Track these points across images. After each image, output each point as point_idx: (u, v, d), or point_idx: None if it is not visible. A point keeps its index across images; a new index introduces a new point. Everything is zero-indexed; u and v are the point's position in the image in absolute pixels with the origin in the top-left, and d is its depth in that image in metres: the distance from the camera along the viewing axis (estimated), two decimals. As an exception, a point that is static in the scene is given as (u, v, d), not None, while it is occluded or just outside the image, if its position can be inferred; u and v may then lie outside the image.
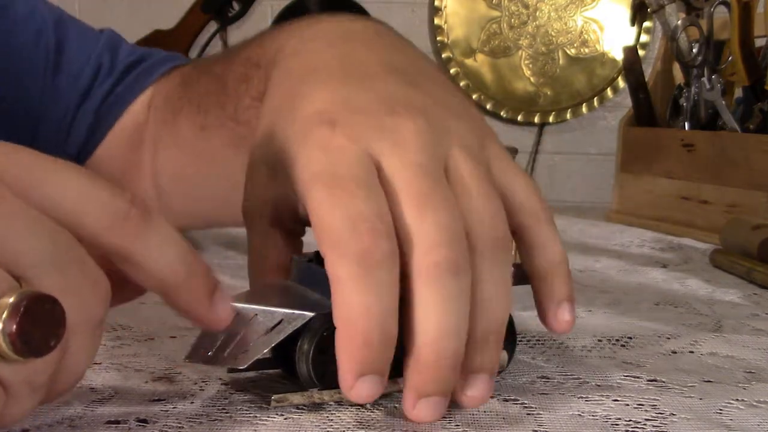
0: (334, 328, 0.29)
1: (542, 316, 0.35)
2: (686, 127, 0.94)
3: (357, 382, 0.28)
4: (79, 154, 0.60)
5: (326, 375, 0.31)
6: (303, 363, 0.31)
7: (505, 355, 0.34)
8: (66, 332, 0.24)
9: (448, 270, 0.29)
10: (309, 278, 0.33)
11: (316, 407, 0.32)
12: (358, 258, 0.28)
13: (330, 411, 0.32)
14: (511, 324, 0.35)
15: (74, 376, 0.27)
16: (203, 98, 0.54)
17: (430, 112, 0.33)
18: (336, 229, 0.29)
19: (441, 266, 0.29)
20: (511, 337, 0.35)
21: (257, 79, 0.47)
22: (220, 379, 0.35)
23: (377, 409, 0.32)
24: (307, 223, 0.35)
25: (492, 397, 0.34)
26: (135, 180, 0.59)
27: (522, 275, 0.34)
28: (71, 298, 0.24)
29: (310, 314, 0.30)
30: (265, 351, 0.30)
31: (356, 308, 0.28)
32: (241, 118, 0.49)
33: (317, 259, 0.33)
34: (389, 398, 0.33)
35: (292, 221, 0.37)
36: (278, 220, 0.37)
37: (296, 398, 0.31)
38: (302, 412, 0.31)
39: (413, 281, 0.29)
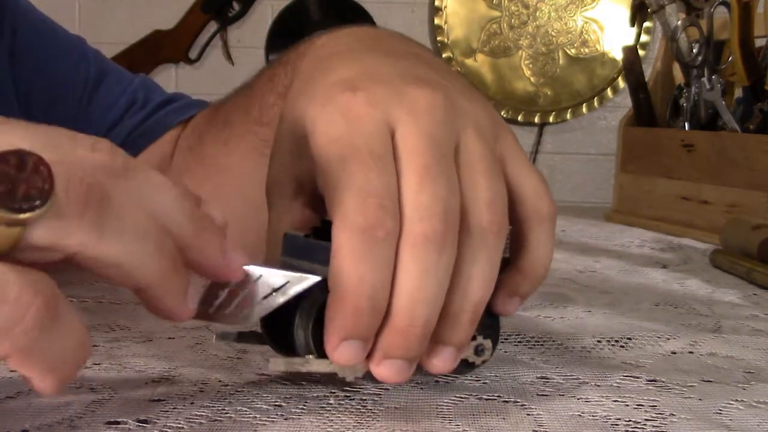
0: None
1: (494, 298, 0.34)
2: (686, 127, 0.94)
3: (340, 344, 0.30)
4: None
5: (323, 344, 0.31)
6: (301, 330, 0.32)
7: (489, 343, 0.35)
8: None
9: (434, 243, 0.30)
10: (303, 251, 0.33)
11: (317, 406, 0.32)
12: (361, 232, 0.29)
13: (330, 411, 0.32)
14: (494, 317, 0.35)
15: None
16: (230, 113, 0.55)
17: (449, 91, 0.34)
18: (345, 200, 0.30)
19: (428, 238, 0.30)
20: (493, 327, 0.35)
21: (284, 74, 0.47)
22: (220, 380, 0.35)
23: (377, 408, 0.32)
24: None
25: (492, 398, 0.34)
26: None
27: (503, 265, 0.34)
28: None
29: (316, 278, 0.30)
30: (269, 311, 0.30)
31: (351, 277, 0.29)
32: (264, 119, 0.50)
33: (315, 233, 0.33)
34: (389, 398, 0.33)
35: (313, 195, 0.36)
36: (300, 195, 0.36)
37: (293, 364, 0.31)
38: (302, 413, 0.31)
39: (400, 247, 0.30)
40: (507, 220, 0.32)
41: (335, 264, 0.29)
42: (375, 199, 0.29)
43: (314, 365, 0.31)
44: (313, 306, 0.31)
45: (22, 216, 0.23)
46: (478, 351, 0.35)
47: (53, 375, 0.25)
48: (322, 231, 0.33)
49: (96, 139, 0.26)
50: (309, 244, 0.33)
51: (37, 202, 0.23)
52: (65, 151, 0.25)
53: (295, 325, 0.32)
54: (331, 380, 0.34)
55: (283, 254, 0.34)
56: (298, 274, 0.30)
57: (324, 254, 0.30)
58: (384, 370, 0.31)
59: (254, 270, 0.30)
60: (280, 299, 0.30)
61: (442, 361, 0.32)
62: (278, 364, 0.31)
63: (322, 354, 0.31)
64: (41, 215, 0.23)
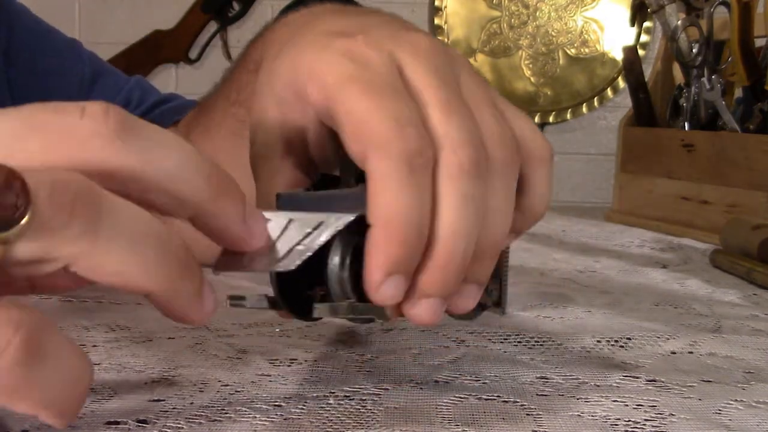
0: (364, 236, 0.29)
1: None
2: (686, 127, 0.94)
3: (386, 280, 0.28)
4: None
5: (360, 286, 0.30)
6: (339, 272, 0.30)
7: (495, 283, 0.35)
8: None
9: (470, 173, 0.29)
10: (307, 206, 0.31)
11: (317, 406, 0.32)
12: (405, 159, 0.28)
13: (330, 411, 0.32)
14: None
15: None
16: (212, 101, 0.55)
17: (438, 41, 0.34)
18: (382, 129, 0.29)
19: (464, 167, 0.29)
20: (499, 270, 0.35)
21: (254, 50, 0.47)
22: (220, 380, 0.35)
23: (377, 408, 0.32)
24: (319, 161, 0.35)
25: (492, 398, 0.34)
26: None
27: None
28: None
29: (353, 215, 0.29)
30: (311, 252, 0.29)
31: (399, 207, 0.28)
32: (240, 98, 0.49)
33: (315, 187, 0.32)
34: (389, 398, 0.33)
35: (304, 157, 0.35)
36: (289, 155, 0.35)
37: (337, 310, 0.31)
38: (302, 413, 0.31)
39: (437, 178, 0.29)
40: (518, 155, 0.32)
41: (378, 194, 0.28)
42: (412, 127, 0.29)
43: (358, 309, 0.30)
44: (347, 248, 0.30)
45: (1, 236, 0.21)
46: (488, 291, 0.34)
47: (50, 411, 0.23)
48: (321, 186, 0.32)
49: (86, 103, 0.24)
50: (314, 196, 0.32)
51: (15, 220, 0.21)
52: (51, 131, 0.24)
53: (328, 270, 0.30)
54: (368, 321, 0.33)
55: None
56: (330, 213, 0.29)
57: (338, 203, 0.29)
58: (421, 310, 0.30)
59: (280, 216, 0.29)
60: (321, 239, 0.29)
61: (467, 300, 0.32)
62: (323, 311, 0.31)
63: (359, 295, 0.30)
64: (21, 232, 0.22)
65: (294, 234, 0.29)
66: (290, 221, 0.29)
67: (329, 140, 0.34)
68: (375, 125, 0.29)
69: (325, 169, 0.35)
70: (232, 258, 0.29)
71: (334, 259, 0.30)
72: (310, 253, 0.28)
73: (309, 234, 0.29)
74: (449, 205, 0.29)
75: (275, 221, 0.29)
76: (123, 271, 0.24)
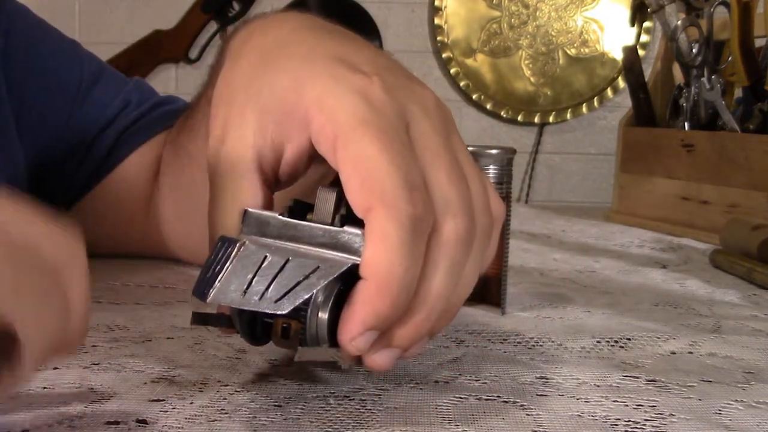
0: (348, 284, 0.29)
1: None
2: (686, 127, 0.94)
3: (362, 334, 0.29)
4: (95, 174, 0.62)
5: (335, 331, 0.30)
6: (318, 315, 0.30)
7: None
8: None
9: (463, 241, 0.30)
10: (280, 231, 0.31)
11: (316, 406, 0.32)
12: (411, 222, 0.29)
13: (330, 411, 0.32)
14: None
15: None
16: (197, 100, 0.55)
17: (439, 100, 0.34)
18: (393, 189, 0.29)
19: (459, 236, 0.30)
20: None
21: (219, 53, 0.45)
22: (219, 381, 0.35)
23: (377, 409, 0.32)
24: (285, 180, 0.34)
25: (492, 398, 0.34)
26: (151, 206, 0.61)
27: None
28: None
29: (351, 262, 0.29)
30: (306, 297, 0.29)
31: (397, 268, 0.28)
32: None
33: (291, 214, 0.31)
34: (389, 398, 0.33)
35: (272, 174, 0.34)
36: (259, 172, 0.34)
37: (318, 354, 0.31)
38: (302, 413, 0.31)
39: (431, 243, 0.30)
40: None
41: (378, 252, 0.29)
42: (420, 192, 0.29)
43: (322, 353, 0.31)
44: (332, 291, 0.30)
45: None
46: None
47: None
48: (296, 212, 0.32)
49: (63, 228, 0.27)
50: (286, 224, 0.31)
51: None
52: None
53: (309, 312, 0.30)
54: (325, 366, 0.34)
55: (245, 233, 0.32)
56: (327, 257, 0.29)
57: (310, 238, 0.30)
58: (383, 359, 0.31)
59: (280, 253, 0.29)
60: (319, 284, 0.29)
61: (418, 348, 0.33)
62: (283, 344, 0.31)
63: (332, 341, 0.30)
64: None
65: (291, 275, 0.29)
66: (288, 261, 0.29)
67: (305, 165, 0.34)
68: (387, 183, 0.29)
69: (286, 186, 0.35)
70: (227, 288, 0.29)
71: (318, 304, 0.30)
72: (304, 298, 0.29)
73: (306, 277, 0.29)
74: (441, 271, 0.30)
75: (273, 258, 0.29)
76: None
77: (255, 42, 0.37)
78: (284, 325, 0.31)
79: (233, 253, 0.30)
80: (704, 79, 0.91)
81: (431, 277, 0.30)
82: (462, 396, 0.34)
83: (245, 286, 0.29)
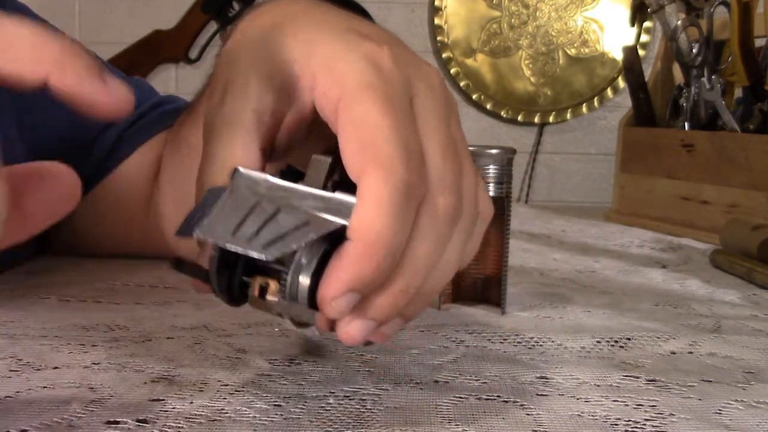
0: (334, 248, 0.29)
1: None
2: (686, 127, 0.94)
3: (344, 295, 0.28)
4: (96, 173, 0.62)
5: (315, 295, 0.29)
6: (300, 276, 0.29)
7: None
8: None
9: (452, 218, 0.30)
10: (267, 193, 0.30)
11: (316, 406, 0.32)
12: (405, 188, 0.28)
13: (330, 411, 0.32)
14: None
15: None
16: (198, 96, 0.55)
17: (444, 81, 0.34)
18: (391, 150, 0.29)
19: (448, 212, 0.30)
20: None
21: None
22: (219, 380, 0.35)
23: (377, 408, 0.32)
24: (281, 149, 0.34)
25: (492, 398, 0.34)
26: (151, 205, 0.61)
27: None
28: None
29: (341, 223, 0.29)
30: (295, 247, 0.28)
31: (385, 231, 0.28)
32: None
33: (281, 176, 0.30)
34: (389, 398, 0.33)
35: (268, 139, 0.33)
36: (255, 132, 0.33)
37: (295, 313, 0.30)
38: (302, 413, 0.31)
39: (419, 216, 0.30)
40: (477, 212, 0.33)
41: (368, 213, 0.28)
42: (416, 161, 0.29)
43: (295, 311, 0.30)
44: (317, 251, 0.29)
45: None
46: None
47: None
48: (288, 177, 0.31)
49: None
50: (276, 186, 0.30)
51: None
52: None
53: (291, 272, 0.29)
54: (296, 327, 0.32)
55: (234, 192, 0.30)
56: (318, 215, 0.29)
57: (299, 201, 0.29)
58: (355, 330, 0.30)
59: (270, 203, 0.29)
60: (308, 238, 0.28)
61: (390, 330, 0.32)
62: (258, 304, 0.30)
63: (312, 303, 0.29)
64: None
65: (281, 224, 0.28)
66: (279, 211, 0.29)
67: (303, 133, 0.34)
68: (385, 145, 0.29)
69: (280, 158, 0.34)
70: (216, 224, 0.28)
71: (304, 263, 0.29)
72: (293, 248, 0.28)
73: (296, 229, 0.28)
74: (426, 242, 0.30)
75: (264, 205, 0.29)
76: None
77: (265, 15, 0.37)
78: (263, 283, 0.30)
79: (225, 194, 0.29)
80: (704, 79, 0.91)
81: (416, 248, 0.30)
82: (462, 396, 0.34)
83: (235, 226, 0.28)
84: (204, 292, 0.32)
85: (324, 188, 0.30)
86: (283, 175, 0.31)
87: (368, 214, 0.28)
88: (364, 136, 0.29)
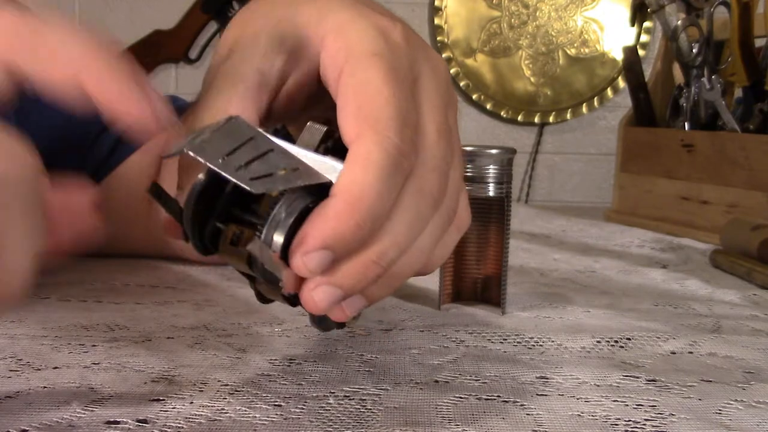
0: (314, 204, 0.28)
1: None
2: (686, 127, 0.94)
3: (317, 251, 0.28)
4: (97, 172, 0.62)
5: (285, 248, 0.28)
6: (276, 230, 0.28)
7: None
8: None
9: (435, 198, 0.30)
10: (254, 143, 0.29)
11: (316, 406, 0.32)
12: (396, 154, 0.28)
13: (329, 411, 0.32)
14: None
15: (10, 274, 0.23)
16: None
17: (449, 72, 0.35)
18: (388, 118, 0.29)
19: (433, 190, 0.30)
20: None
21: None
22: (219, 380, 0.35)
23: (377, 408, 0.32)
24: (278, 115, 0.34)
25: (492, 398, 0.34)
26: (153, 205, 0.61)
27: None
28: None
29: (328, 179, 0.28)
30: (282, 188, 0.28)
31: (370, 192, 0.28)
32: None
33: (275, 134, 0.30)
34: (389, 398, 0.33)
35: (268, 102, 0.33)
36: (255, 91, 0.32)
37: (264, 263, 0.28)
38: (302, 413, 0.31)
39: (406, 186, 0.29)
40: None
41: (355, 172, 0.28)
42: (410, 132, 0.29)
43: (264, 263, 0.28)
44: (297, 207, 0.29)
45: None
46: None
47: None
48: (281, 136, 0.30)
49: None
50: (268, 141, 0.29)
51: None
52: None
53: (267, 224, 0.29)
54: (261, 299, 0.33)
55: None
56: (309, 166, 0.28)
57: (289, 160, 0.28)
58: (320, 296, 0.29)
59: (264, 141, 0.28)
60: (296, 183, 0.28)
61: (350, 308, 0.31)
62: (228, 251, 0.29)
63: (286, 259, 0.28)
64: None
65: (273, 164, 0.28)
66: (271, 151, 0.28)
67: (304, 100, 0.33)
68: (383, 111, 0.29)
69: (275, 123, 0.34)
70: (207, 146, 0.27)
71: (282, 217, 0.29)
72: (280, 189, 0.28)
73: (286, 172, 0.28)
74: (405, 216, 0.29)
75: (258, 141, 0.28)
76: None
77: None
78: (237, 231, 0.29)
79: (222, 122, 0.28)
80: (704, 79, 0.91)
81: (396, 218, 0.29)
82: (462, 396, 0.34)
83: (227, 152, 0.27)
84: (175, 237, 0.31)
85: (316, 152, 0.30)
86: (276, 133, 0.30)
87: (355, 173, 0.28)
88: (363, 100, 0.29)
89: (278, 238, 0.28)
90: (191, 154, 0.27)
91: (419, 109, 0.31)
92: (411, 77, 0.31)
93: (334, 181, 0.28)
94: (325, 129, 0.31)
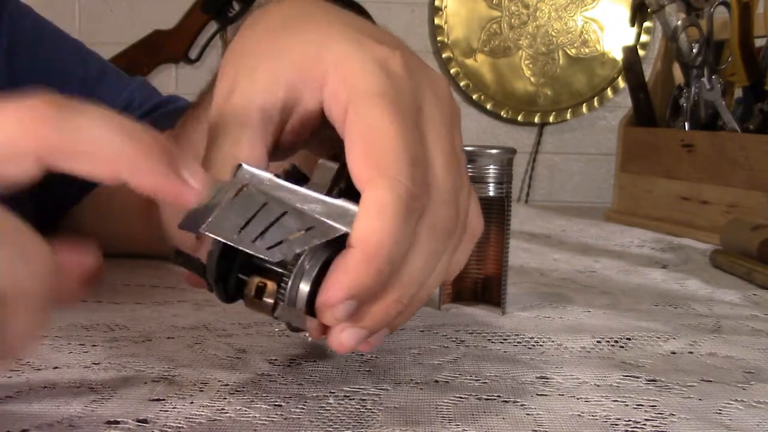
0: (334, 253, 0.29)
1: None
2: (686, 127, 0.94)
3: (343, 302, 0.28)
4: None
5: (314, 300, 0.29)
6: (301, 282, 0.29)
7: None
8: None
9: (449, 230, 0.30)
10: (264, 190, 0.30)
11: (316, 406, 0.32)
12: (408, 198, 0.28)
13: (329, 411, 0.32)
14: None
15: (13, 351, 0.25)
16: (204, 93, 0.55)
17: (450, 89, 0.34)
18: (397, 160, 0.29)
19: (446, 224, 0.30)
20: None
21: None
22: (219, 380, 0.35)
23: (377, 408, 0.32)
24: (286, 148, 0.34)
25: (492, 398, 0.34)
26: (154, 205, 0.61)
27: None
28: None
29: (344, 230, 0.29)
30: (299, 251, 0.29)
31: (386, 240, 0.28)
32: None
33: (286, 176, 0.30)
34: (389, 398, 0.33)
35: (274, 138, 0.33)
36: (261, 130, 0.33)
37: (290, 318, 0.30)
38: (302, 413, 0.31)
39: (420, 224, 0.30)
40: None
41: (370, 221, 0.28)
42: (421, 172, 0.29)
43: (292, 316, 0.29)
44: (320, 258, 0.29)
45: None
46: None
47: None
48: (293, 177, 0.31)
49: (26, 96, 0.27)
50: (279, 186, 0.30)
51: None
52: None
53: (293, 276, 0.29)
54: (295, 330, 0.33)
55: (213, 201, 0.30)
56: (324, 221, 0.29)
57: (303, 204, 0.29)
58: (348, 338, 0.30)
59: (276, 202, 0.29)
60: (314, 242, 0.28)
61: (377, 339, 0.32)
62: (255, 304, 0.30)
63: (311, 309, 0.29)
64: None
65: (288, 228, 0.28)
66: (285, 214, 0.29)
67: (309, 133, 0.33)
68: (391, 154, 0.29)
69: (283, 158, 0.34)
70: (223, 222, 0.28)
71: (304, 269, 0.29)
72: (297, 252, 0.28)
73: (302, 233, 0.28)
74: (422, 255, 0.30)
75: (271, 207, 0.29)
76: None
77: (273, 13, 0.36)
78: (260, 283, 0.30)
79: (234, 192, 0.29)
80: (704, 79, 0.91)
81: (414, 258, 0.30)
82: (462, 396, 0.34)
83: (242, 225, 0.28)
84: (199, 287, 0.32)
85: (329, 194, 0.30)
86: (288, 176, 0.31)
87: (371, 222, 0.28)
88: (371, 144, 0.29)
89: (302, 293, 0.29)
90: (208, 234, 0.28)
91: (425, 141, 0.31)
92: (415, 107, 0.31)
93: (349, 230, 0.29)
94: (336, 167, 0.31)
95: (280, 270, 0.30)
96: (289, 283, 0.29)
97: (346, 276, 0.28)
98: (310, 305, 0.29)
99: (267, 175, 0.30)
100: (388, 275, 0.29)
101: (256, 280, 0.30)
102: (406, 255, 0.29)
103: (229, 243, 0.28)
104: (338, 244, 0.29)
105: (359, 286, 0.28)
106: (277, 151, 0.34)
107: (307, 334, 0.30)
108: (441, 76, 0.34)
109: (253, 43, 0.35)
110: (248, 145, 0.32)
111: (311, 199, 0.29)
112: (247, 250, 0.28)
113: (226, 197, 0.29)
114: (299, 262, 0.29)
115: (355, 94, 0.30)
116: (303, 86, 0.32)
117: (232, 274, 0.31)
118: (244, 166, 0.30)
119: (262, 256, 0.28)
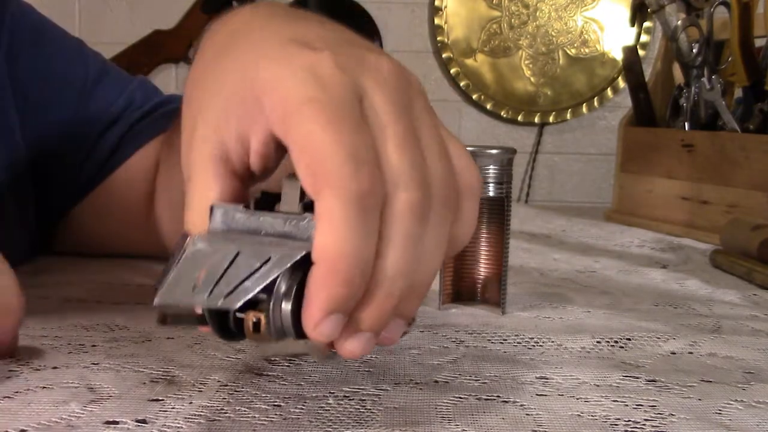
0: (308, 270, 0.28)
1: None
2: (686, 127, 0.94)
3: (325, 319, 0.28)
4: (99, 172, 0.62)
5: (298, 320, 0.29)
6: (282, 306, 0.29)
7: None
8: None
9: (417, 213, 0.29)
10: (243, 224, 0.30)
11: (316, 406, 0.32)
12: (357, 199, 0.28)
13: (329, 411, 0.32)
14: None
15: None
16: None
17: (399, 66, 0.33)
18: (336, 165, 0.28)
19: (413, 207, 0.29)
20: None
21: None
22: (219, 380, 0.35)
23: (377, 408, 0.32)
24: (259, 172, 0.34)
25: (491, 398, 0.34)
26: (152, 205, 0.61)
27: None
28: None
29: (302, 252, 0.29)
30: (258, 289, 0.28)
31: (346, 248, 0.28)
32: None
33: (257, 207, 0.31)
34: (389, 398, 0.33)
35: (243, 166, 0.33)
36: (225, 164, 0.33)
37: (290, 347, 0.30)
38: (301, 413, 0.31)
39: (385, 217, 0.29)
40: (456, 193, 0.32)
41: (326, 234, 0.28)
42: (368, 167, 0.28)
43: (293, 346, 0.30)
44: (292, 283, 0.29)
45: None
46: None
47: None
48: (262, 204, 0.31)
49: None
50: (251, 216, 0.30)
51: None
52: None
53: (271, 304, 0.29)
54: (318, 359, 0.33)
55: (212, 228, 0.31)
56: (280, 249, 0.29)
57: (275, 227, 0.29)
58: (355, 345, 0.30)
59: (228, 248, 0.29)
60: (270, 277, 0.28)
61: (393, 334, 0.31)
62: (256, 339, 0.30)
63: (299, 332, 0.29)
64: None
65: (242, 268, 0.28)
66: (238, 254, 0.28)
67: (275, 153, 0.33)
68: (331, 162, 0.28)
69: (263, 179, 0.34)
70: (179, 289, 0.28)
71: (280, 295, 0.29)
72: (255, 292, 0.28)
73: (257, 270, 0.28)
74: (395, 245, 0.29)
75: (223, 252, 0.29)
76: None
77: (214, 37, 0.37)
78: (254, 319, 0.30)
79: (182, 250, 0.29)
80: (704, 79, 0.91)
81: (386, 253, 0.29)
82: (462, 396, 0.34)
83: (193, 284, 0.28)
84: (205, 331, 0.32)
85: (301, 207, 0.30)
86: (258, 203, 0.31)
87: (325, 235, 0.28)
88: (309, 156, 0.29)
89: (286, 318, 0.29)
90: (162, 304, 0.28)
91: (373, 130, 0.30)
92: (354, 101, 0.30)
93: (310, 248, 0.28)
94: (300, 181, 0.30)
95: (262, 298, 0.29)
96: (271, 315, 0.29)
97: (319, 294, 0.28)
98: (299, 328, 0.29)
99: (236, 208, 0.30)
100: (362, 278, 0.28)
101: (251, 316, 0.30)
102: (378, 251, 0.29)
103: (186, 306, 0.28)
104: (309, 261, 0.29)
105: (335, 299, 0.28)
106: (253, 175, 0.34)
107: (315, 357, 0.30)
108: (383, 57, 0.32)
109: (197, 77, 0.35)
110: (217, 183, 0.32)
111: (278, 221, 0.30)
112: (204, 307, 0.28)
113: (174, 261, 0.29)
114: (275, 288, 0.29)
115: (289, 108, 0.30)
116: (248, 115, 0.32)
117: (230, 316, 0.31)
118: (215, 205, 0.31)
119: (221, 308, 0.28)
